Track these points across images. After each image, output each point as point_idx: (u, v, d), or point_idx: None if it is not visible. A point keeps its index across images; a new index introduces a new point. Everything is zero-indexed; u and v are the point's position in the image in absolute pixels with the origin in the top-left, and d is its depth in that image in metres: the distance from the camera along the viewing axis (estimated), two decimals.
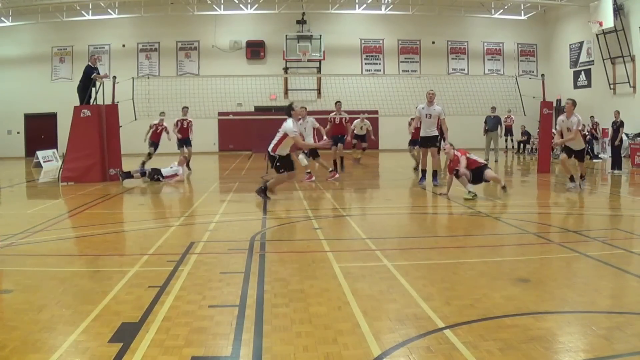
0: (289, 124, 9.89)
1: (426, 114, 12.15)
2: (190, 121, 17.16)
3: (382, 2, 27.57)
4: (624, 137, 17.09)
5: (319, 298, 4.45)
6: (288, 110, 10.22)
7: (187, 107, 17.25)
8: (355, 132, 17.09)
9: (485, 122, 19.84)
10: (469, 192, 9.81)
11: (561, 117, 11.46)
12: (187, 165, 17.48)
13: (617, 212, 9.39)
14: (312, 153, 13.27)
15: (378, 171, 18.34)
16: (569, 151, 11.40)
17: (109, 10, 26.31)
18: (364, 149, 18.12)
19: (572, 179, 11.29)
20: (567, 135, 11.23)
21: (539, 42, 29.51)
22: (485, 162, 10.57)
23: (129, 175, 13.61)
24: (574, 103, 11.32)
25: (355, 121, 17.21)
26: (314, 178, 13.19)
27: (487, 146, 19.84)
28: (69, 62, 27.42)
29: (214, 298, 4.50)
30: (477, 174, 9.96)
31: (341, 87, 20.64)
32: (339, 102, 15.82)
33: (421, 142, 12.49)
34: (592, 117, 22.88)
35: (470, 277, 5.08)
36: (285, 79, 27.84)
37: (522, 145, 25.56)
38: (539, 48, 29.56)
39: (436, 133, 12.31)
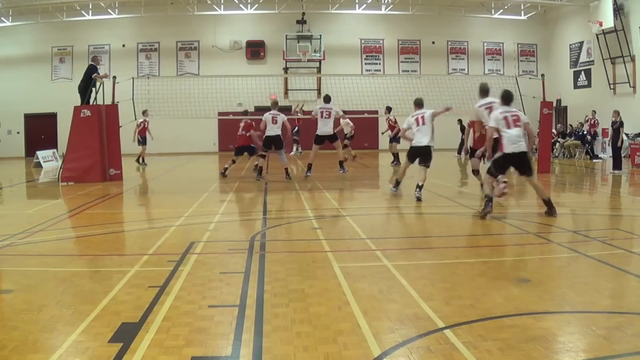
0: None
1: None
2: (148, 121, 19.16)
3: (382, 2, 27.55)
4: (624, 137, 17.06)
5: (319, 298, 4.44)
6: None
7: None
8: (294, 137, 18.39)
9: None
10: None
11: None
12: (143, 160, 19.47)
13: (617, 212, 9.39)
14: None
15: (378, 171, 18.34)
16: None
17: (109, 10, 26.30)
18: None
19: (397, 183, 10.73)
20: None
21: (539, 42, 29.48)
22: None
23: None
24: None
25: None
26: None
27: None
28: (69, 62, 27.40)
29: (214, 298, 4.50)
30: None
31: (341, 87, 20.57)
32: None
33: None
34: (593, 111, 22.35)
35: (470, 277, 5.08)
36: (285, 79, 27.82)
37: None
38: (539, 48, 29.52)
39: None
